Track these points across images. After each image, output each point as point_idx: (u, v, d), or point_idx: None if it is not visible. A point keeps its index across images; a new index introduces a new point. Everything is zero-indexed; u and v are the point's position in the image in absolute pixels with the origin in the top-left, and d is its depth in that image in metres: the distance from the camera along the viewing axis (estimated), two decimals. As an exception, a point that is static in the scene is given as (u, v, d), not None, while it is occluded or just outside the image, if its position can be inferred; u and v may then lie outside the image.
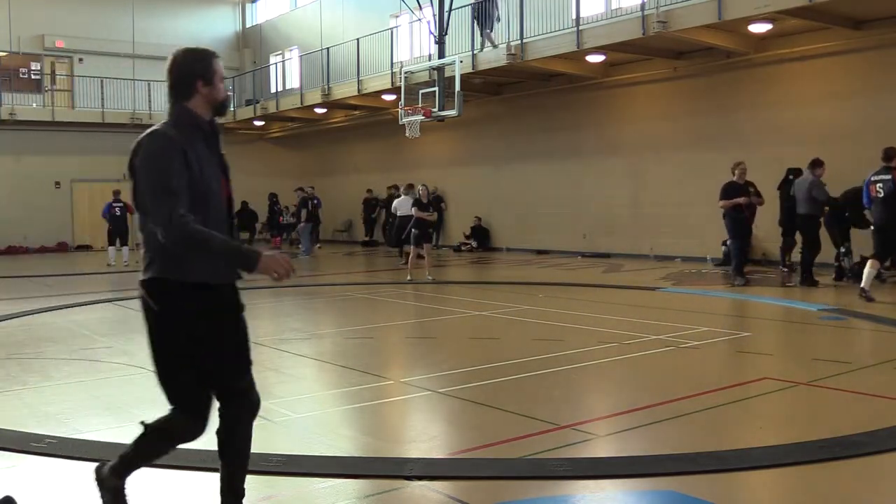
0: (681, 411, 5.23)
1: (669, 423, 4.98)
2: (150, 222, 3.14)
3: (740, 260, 12.55)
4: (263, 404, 5.61)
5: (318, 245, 23.82)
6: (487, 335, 8.68)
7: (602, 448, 4.64)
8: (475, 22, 17.70)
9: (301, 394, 6.19)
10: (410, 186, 19.32)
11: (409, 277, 14.16)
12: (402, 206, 19.76)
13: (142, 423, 3.47)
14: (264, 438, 4.94)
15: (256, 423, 5.21)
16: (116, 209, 18.53)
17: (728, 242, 15.28)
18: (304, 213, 20.66)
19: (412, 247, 14.52)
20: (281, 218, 25.78)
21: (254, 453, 4.47)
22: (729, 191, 12.36)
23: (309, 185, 22.44)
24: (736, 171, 12.40)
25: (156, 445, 3.46)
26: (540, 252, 19.59)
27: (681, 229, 16.69)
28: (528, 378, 6.34)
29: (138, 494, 3.98)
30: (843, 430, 4.69)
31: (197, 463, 4.32)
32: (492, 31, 17.56)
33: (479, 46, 17.62)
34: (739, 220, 12.32)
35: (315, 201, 23.66)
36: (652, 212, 17.24)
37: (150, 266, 3.18)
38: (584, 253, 18.42)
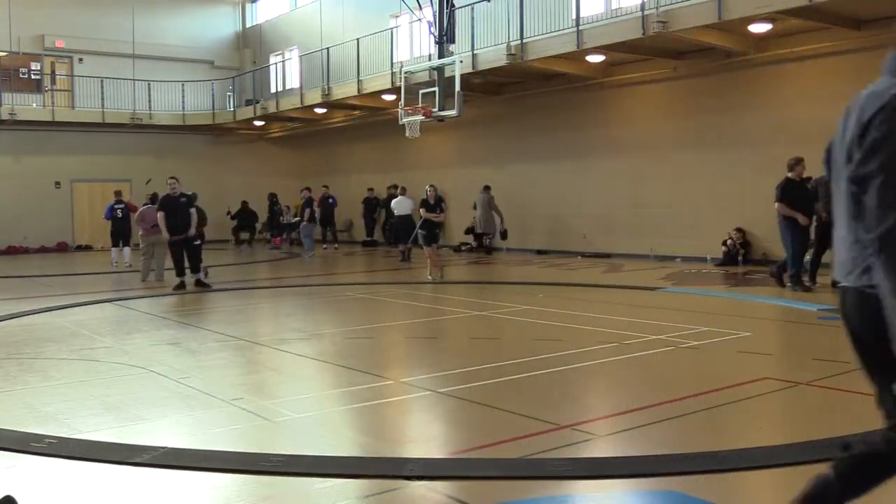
0: (681, 411, 5.23)
1: (669, 423, 4.98)
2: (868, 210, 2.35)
3: (799, 267, 11.43)
4: (263, 404, 5.65)
5: (336, 245, 23.73)
6: (487, 335, 8.68)
7: (602, 448, 4.64)
8: (431, 35, 18.01)
9: (301, 394, 6.19)
10: (404, 189, 19.89)
11: (439, 276, 14.18)
12: (399, 206, 19.91)
13: (843, 445, 2.71)
14: (264, 438, 4.95)
15: (256, 423, 5.23)
16: (118, 211, 18.60)
17: (730, 242, 15.31)
18: (307, 213, 20.61)
19: (424, 247, 14.53)
20: (281, 218, 25.77)
21: (254, 453, 4.49)
22: (787, 190, 11.27)
23: (323, 185, 22.29)
24: (796, 168, 11.40)
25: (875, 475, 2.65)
26: (540, 252, 19.60)
27: (681, 229, 16.69)
28: (528, 378, 6.34)
29: (138, 494, 3.98)
30: (843, 430, 4.69)
31: (197, 463, 4.33)
32: (453, 42, 17.73)
33: (437, 56, 17.90)
34: (796, 224, 11.25)
35: (331, 200, 23.67)
36: (652, 212, 17.24)
37: (872, 269, 2.39)
38: (584, 253, 18.42)
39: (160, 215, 13.35)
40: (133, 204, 19.41)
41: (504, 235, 19.81)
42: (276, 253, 22.90)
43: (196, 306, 11.68)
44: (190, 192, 14.04)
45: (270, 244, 25.39)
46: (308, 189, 21.47)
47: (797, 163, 11.52)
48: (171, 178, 13.78)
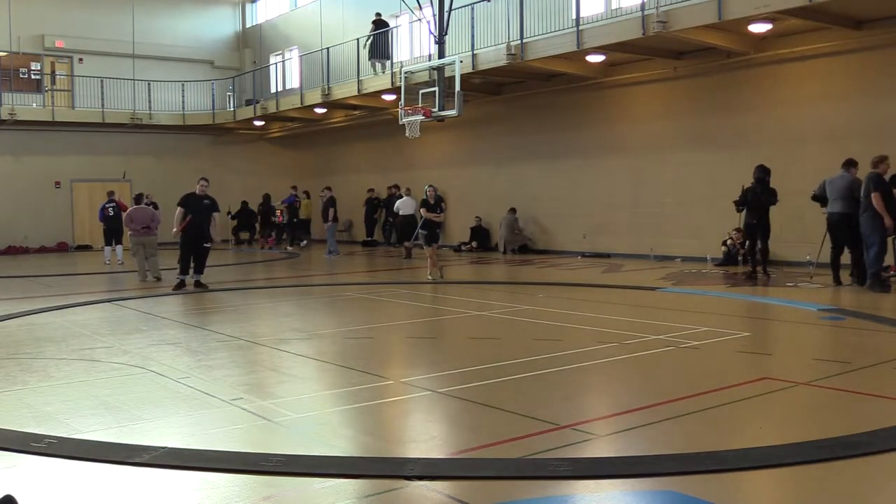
0: (681, 411, 5.23)
1: (669, 423, 4.98)
2: None
3: (881, 266, 11.21)
4: (263, 404, 5.65)
5: (304, 242, 23.94)
6: (487, 335, 8.68)
7: (602, 448, 4.64)
8: (369, 55, 20.66)
9: (301, 394, 6.19)
10: (408, 189, 20.51)
11: (440, 276, 14.20)
12: (405, 205, 20.17)
13: None
14: (264, 438, 4.95)
15: (256, 423, 5.23)
16: (109, 209, 18.71)
17: (730, 242, 15.30)
18: (331, 212, 20.62)
19: (425, 247, 14.67)
20: (280, 218, 25.76)
21: (254, 453, 4.49)
22: (881, 183, 10.89)
23: (325, 187, 22.22)
24: (880, 166, 11.08)
25: None
26: (540, 252, 19.60)
27: (681, 229, 16.69)
28: (528, 378, 6.34)
29: (138, 494, 3.99)
30: (843, 430, 4.69)
31: (197, 463, 4.33)
32: (388, 59, 20.27)
33: (371, 72, 20.72)
34: (882, 221, 10.98)
35: (296, 200, 24.31)
36: (652, 212, 17.24)
37: None
38: (584, 253, 18.42)
39: (179, 211, 13.28)
40: (123, 203, 19.46)
41: (525, 250, 19.91)
42: (275, 253, 22.90)
43: (196, 306, 11.68)
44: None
45: (267, 245, 25.33)
46: (329, 188, 21.46)
47: (882, 160, 11.20)
48: (203, 178, 13.69)
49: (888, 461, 4.25)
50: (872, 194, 10.99)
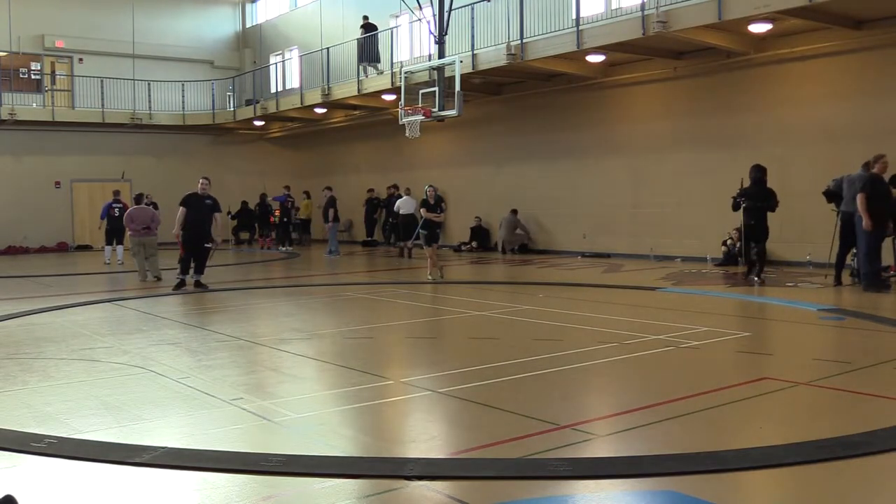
0: (681, 411, 5.23)
1: (669, 423, 4.98)
2: None
3: (876, 266, 11.21)
4: (263, 404, 5.65)
5: (282, 248, 23.76)
6: (487, 335, 8.68)
7: (602, 448, 4.64)
8: (358, 59, 21.17)
9: (301, 394, 6.19)
10: (408, 189, 20.68)
11: (440, 276, 14.21)
12: (406, 205, 20.22)
13: None
14: (264, 438, 4.95)
15: (256, 423, 5.23)
16: (115, 210, 18.73)
17: (730, 242, 15.30)
18: (331, 212, 20.60)
19: (425, 247, 14.68)
20: (285, 218, 25.75)
21: (254, 453, 4.49)
22: (872, 184, 11.00)
23: (326, 187, 22.17)
24: (876, 166, 11.23)
25: None
26: (540, 252, 19.60)
27: (681, 229, 16.69)
28: (528, 378, 6.34)
29: (138, 494, 3.99)
30: (843, 430, 4.70)
31: (197, 463, 4.33)
32: (378, 62, 20.68)
33: (364, 74, 21.18)
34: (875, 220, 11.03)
35: (290, 204, 24.35)
36: (652, 212, 17.25)
37: None
38: (584, 253, 18.43)
39: (181, 210, 13.24)
40: (129, 205, 19.50)
41: (525, 250, 19.92)
42: (275, 253, 22.90)
43: (196, 306, 11.68)
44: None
45: (266, 245, 25.27)
46: (329, 188, 21.44)
47: (878, 160, 11.29)
48: (204, 178, 13.67)
49: (888, 461, 4.25)
50: (858, 195, 11.08)
